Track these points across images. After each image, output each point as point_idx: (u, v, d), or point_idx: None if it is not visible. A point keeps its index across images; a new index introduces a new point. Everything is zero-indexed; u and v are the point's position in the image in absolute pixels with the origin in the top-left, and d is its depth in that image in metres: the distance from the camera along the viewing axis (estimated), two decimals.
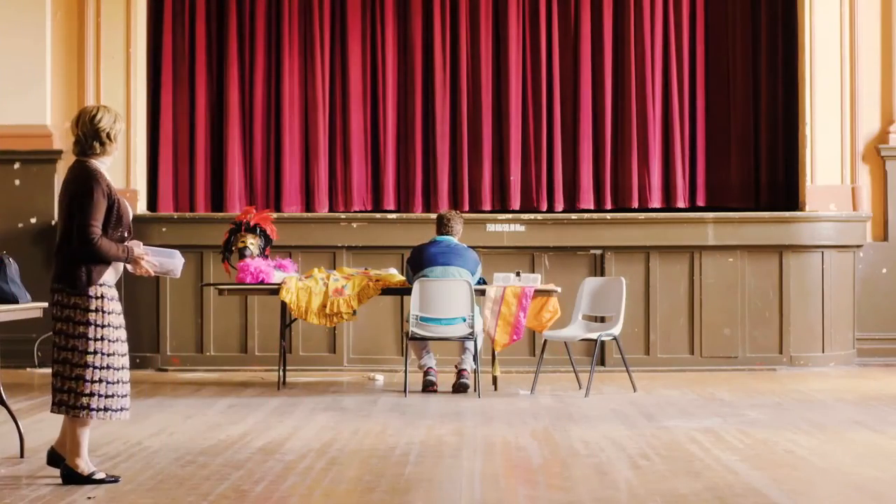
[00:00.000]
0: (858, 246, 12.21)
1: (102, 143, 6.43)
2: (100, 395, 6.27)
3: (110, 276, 6.42)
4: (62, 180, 6.50)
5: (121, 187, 12.28)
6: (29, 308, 7.54)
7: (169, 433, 8.05)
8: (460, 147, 12.68)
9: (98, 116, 6.41)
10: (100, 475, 6.38)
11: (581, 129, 12.65)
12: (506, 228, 11.94)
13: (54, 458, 6.51)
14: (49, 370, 11.89)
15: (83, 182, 6.30)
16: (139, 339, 11.98)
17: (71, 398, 6.28)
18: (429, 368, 10.29)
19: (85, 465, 6.38)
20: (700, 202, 12.65)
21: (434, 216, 11.05)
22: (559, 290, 10.28)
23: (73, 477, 6.34)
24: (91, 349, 6.29)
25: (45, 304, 7.80)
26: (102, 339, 6.32)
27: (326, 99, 12.72)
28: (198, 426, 8.37)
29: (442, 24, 12.68)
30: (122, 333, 6.44)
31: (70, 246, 6.30)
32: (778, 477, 6.56)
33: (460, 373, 10.22)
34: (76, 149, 6.46)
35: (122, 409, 6.38)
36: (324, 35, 12.72)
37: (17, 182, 12.29)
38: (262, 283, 10.32)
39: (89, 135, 6.40)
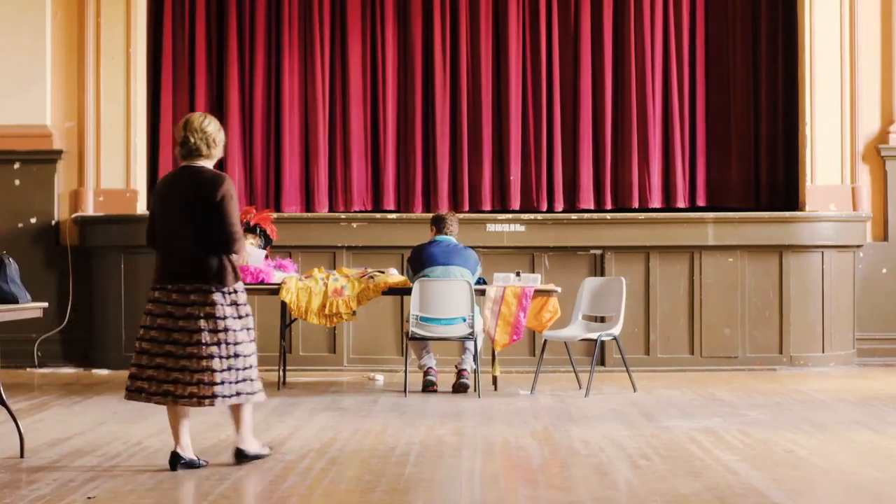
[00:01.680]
0: (858, 246, 12.21)
1: (209, 147, 6.78)
2: (230, 383, 6.68)
3: None
4: (176, 182, 6.77)
5: (121, 187, 12.30)
6: (29, 308, 7.53)
7: (169, 433, 8.03)
8: (460, 147, 12.68)
9: (206, 122, 6.80)
10: (265, 451, 6.95)
11: (581, 129, 12.65)
12: (506, 228, 11.94)
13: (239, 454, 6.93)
14: (46, 370, 11.92)
15: (220, 185, 6.67)
16: None
17: (202, 389, 6.63)
18: (429, 368, 10.29)
19: (253, 444, 6.91)
20: (700, 202, 12.66)
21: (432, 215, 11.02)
22: (559, 290, 10.28)
23: (244, 456, 6.84)
24: (234, 339, 6.71)
25: (45, 304, 7.81)
26: (240, 329, 6.74)
27: (326, 99, 12.72)
28: (198, 426, 8.36)
29: (442, 24, 12.68)
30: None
31: (214, 246, 6.66)
32: (778, 477, 6.56)
33: (460, 373, 10.22)
34: (182, 151, 6.79)
35: (258, 392, 6.81)
36: (324, 35, 12.72)
37: (17, 182, 12.29)
38: (262, 283, 10.32)
39: (198, 139, 6.75)
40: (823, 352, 12.00)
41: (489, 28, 12.72)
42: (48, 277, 12.19)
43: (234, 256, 6.73)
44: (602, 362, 11.78)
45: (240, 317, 6.74)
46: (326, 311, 10.12)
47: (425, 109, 12.74)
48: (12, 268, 7.45)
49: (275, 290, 10.26)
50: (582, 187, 12.63)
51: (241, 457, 6.88)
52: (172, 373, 6.66)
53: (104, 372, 11.81)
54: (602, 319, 10.75)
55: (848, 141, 12.26)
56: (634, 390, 10.17)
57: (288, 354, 11.26)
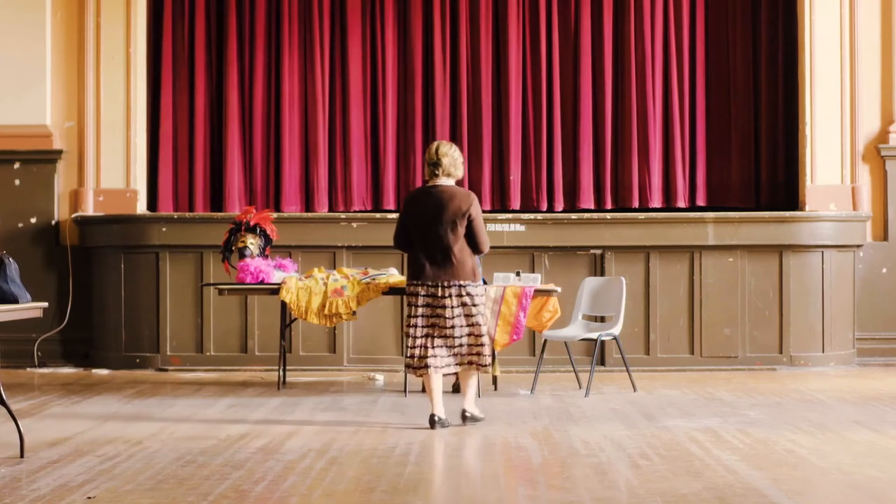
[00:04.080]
0: (858, 246, 12.21)
1: (456, 169, 8.33)
2: (465, 354, 8.30)
3: None
4: (433, 198, 8.19)
5: (121, 187, 12.30)
6: (29, 308, 7.53)
7: (169, 433, 8.05)
8: (460, 147, 12.67)
9: (453, 149, 8.37)
10: (482, 416, 8.40)
11: (581, 129, 12.65)
12: (506, 228, 11.94)
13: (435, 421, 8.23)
14: (46, 370, 11.93)
15: (474, 201, 8.26)
16: (139, 339, 12.00)
17: (481, 359, 8.25)
18: None
19: (475, 408, 8.43)
20: (700, 202, 12.66)
21: None
22: (559, 290, 10.27)
23: (473, 417, 8.30)
24: (483, 322, 8.32)
25: (45, 304, 7.82)
26: (476, 314, 8.31)
27: (326, 99, 12.72)
28: (198, 426, 8.38)
29: (442, 24, 12.68)
30: None
31: (473, 250, 8.26)
32: (778, 477, 6.56)
33: None
34: (433, 171, 8.28)
35: (488, 364, 8.39)
36: (324, 35, 12.72)
37: (17, 182, 12.29)
38: (262, 283, 10.32)
39: (449, 163, 8.28)
40: (823, 352, 12.00)
41: (489, 28, 12.71)
42: (48, 277, 12.19)
43: (479, 256, 8.40)
44: (602, 362, 11.78)
45: (476, 305, 8.25)
46: (326, 312, 10.12)
47: (425, 109, 12.74)
48: (12, 268, 7.45)
49: (275, 290, 10.26)
50: (582, 187, 12.63)
51: (465, 417, 8.30)
52: (433, 349, 8.22)
53: (104, 372, 11.82)
54: (602, 319, 10.75)
55: (848, 141, 12.26)
56: (634, 390, 10.17)
57: (288, 354, 11.27)
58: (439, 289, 8.23)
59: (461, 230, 8.20)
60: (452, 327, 8.24)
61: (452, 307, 8.22)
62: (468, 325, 8.27)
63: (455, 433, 8.04)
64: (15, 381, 10.83)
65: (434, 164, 8.29)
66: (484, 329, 8.31)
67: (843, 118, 12.24)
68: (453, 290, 8.22)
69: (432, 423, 8.19)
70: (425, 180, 8.44)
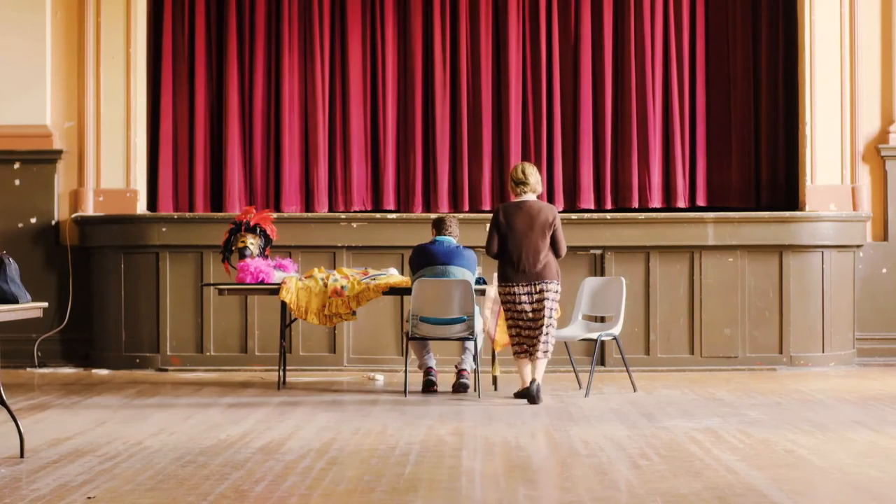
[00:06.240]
0: (858, 246, 12.21)
1: (539, 185, 9.63)
2: (549, 343, 9.62)
3: None
4: (525, 211, 9.46)
5: (121, 187, 12.31)
6: (29, 308, 7.53)
7: (169, 433, 8.05)
8: (460, 147, 12.68)
9: (535, 169, 9.69)
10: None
11: (581, 129, 12.66)
12: None
13: (534, 393, 9.52)
14: (46, 370, 11.94)
15: (556, 214, 9.59)
16: (139, 339, 12.00)
17: (549, 346, 9.53)
18: (429, 368, 10.29)
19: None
20: (700, 202, 12.66)
21: (434, 216, 11.05)
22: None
23: (539, 388, 9.52)
24: (556, 315, 9.60)
25: (45, 304, 7.82)
26: (556, 308, 9.65)
27: (326, 99, 12.72)
28: (198, 426, 8.38)
29: (442, 24, 12.68)
30: None
31: (555, 254, 9.55)
32: (778, 477, 6.56)
33: (460, 373, 10.23)
34: (522, 189, 9.56)
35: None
36: (324, 35, 12.72)
37: (17, 182, 12.30)
38: (262, 283, 10.32)
39: (536, 181, 9.59)
40: (823, 352, 12.00)
41: (489, 28, 12.72)
42: (48, 277, 12.20)
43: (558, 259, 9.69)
44: (602, 362, 11.78)
45: (555, 300, 9.53)
46: (326, 312, 10.12)
47: (425, 109, 12.74)
48: (12, 268, 7.45)
49: (275, 290, 10.26)
50: (582, 187, 12.63)
51: (538, 388, 9.53)
52: (530, 340, 9.49)
53: (104, 372, 11.82)
54: (602, 319, 10.75)
55: (848, 141, 12.27)
56: (634, 390, 10.17)
57: (288, 354, 11.27)
58: (532, 286, 9.46)
59: (547, 238, 9.49)
60: (536, 320, 9.45)
61: (537, 301, 9.46)
62: (545, 318, 9.46)
63: (454, 433, 8.04)
64: (15, 381, 10.83)
65: (522, 183, 9.57)
66: (554, 322, 9.55)
67: (843, 118, 12.24)
68: (541, 287, 9.46)
69: (530, 390, 9.48)
70: (513, 196, 9.62)
